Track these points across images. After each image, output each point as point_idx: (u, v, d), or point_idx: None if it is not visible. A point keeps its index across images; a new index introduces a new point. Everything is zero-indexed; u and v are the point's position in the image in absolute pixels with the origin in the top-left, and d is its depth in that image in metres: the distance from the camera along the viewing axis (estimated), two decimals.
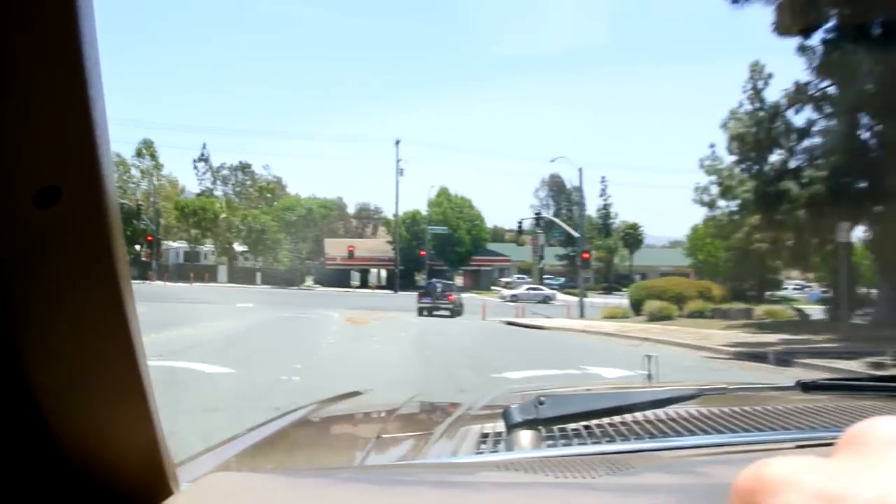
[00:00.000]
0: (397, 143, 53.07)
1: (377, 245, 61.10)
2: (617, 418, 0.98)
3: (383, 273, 59.19)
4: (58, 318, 0.48)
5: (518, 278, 67.01)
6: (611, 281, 67.11)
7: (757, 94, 19.45)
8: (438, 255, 54.02)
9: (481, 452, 0.92)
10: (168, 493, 0.60)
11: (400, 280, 51.74)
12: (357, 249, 58.99)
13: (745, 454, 0.81)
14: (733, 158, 19.23)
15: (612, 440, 0.92)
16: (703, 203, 20.64)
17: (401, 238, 53.84)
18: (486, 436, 0.99)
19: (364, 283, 55.35)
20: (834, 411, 1.02)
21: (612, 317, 24.42)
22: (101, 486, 0.56)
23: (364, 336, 15.49)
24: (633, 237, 72.63)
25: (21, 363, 0.48)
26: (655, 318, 21.69)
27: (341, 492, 0.66)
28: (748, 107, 19.49)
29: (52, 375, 0.50)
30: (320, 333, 15.46)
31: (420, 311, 26.24)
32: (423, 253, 51.25)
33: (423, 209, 54.86)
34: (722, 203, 20.15)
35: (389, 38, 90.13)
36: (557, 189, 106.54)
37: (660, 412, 1.01)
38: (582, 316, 25.61)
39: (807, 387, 1.07)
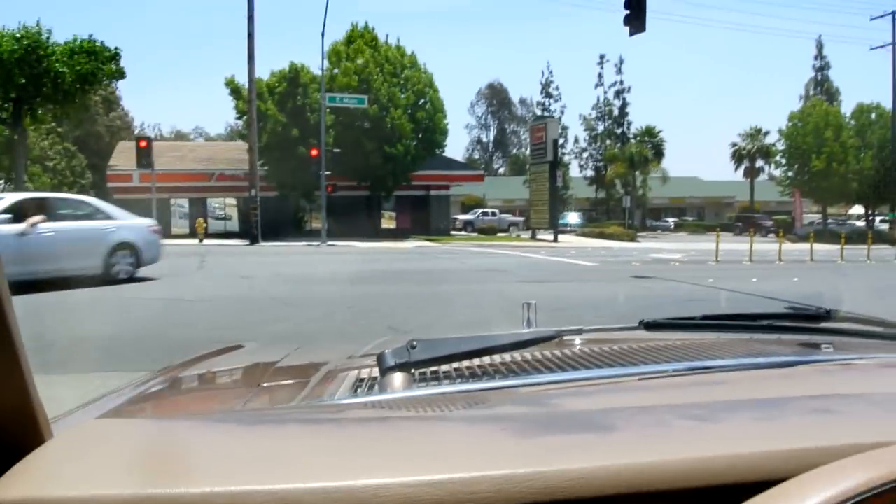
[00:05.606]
0: None
1: (223, 150, 31.49)
2: (486, 360, 1.07)
3: (234, 204, 30.12)
4: None
5: (483, 214, 40.25)
6: (635, 217, 41.03)
7: None
8: (349, 163, 25.39)
9: (356, 395, 0.96)
10: (40, 440, 0.59)
11: (266, 219, 23.18)
12: (185, 159, 29.39)
13: (592, 387, 0.91)
14: None
15: (478, 379, 1.00)
16: None
17: (266, 121, 24.46)
18: (362, 380, 1.04)
19: (192, 229, 26.14)
20: (673, 347, 1.16)
21: None
22: None
23: None
24: (654, 147, 46.36)
25: None
26: None
27: (212, 434, 0.70)
28: None
29: None
30: None
31: None
32: (314, 153, 22.63)
33: (315, 68, 25.83)
34: None
35: None
36: (499, 102, 78.99)
37: (525, 353, 1.11)
38: None
39: (648, 326, 1.19)
